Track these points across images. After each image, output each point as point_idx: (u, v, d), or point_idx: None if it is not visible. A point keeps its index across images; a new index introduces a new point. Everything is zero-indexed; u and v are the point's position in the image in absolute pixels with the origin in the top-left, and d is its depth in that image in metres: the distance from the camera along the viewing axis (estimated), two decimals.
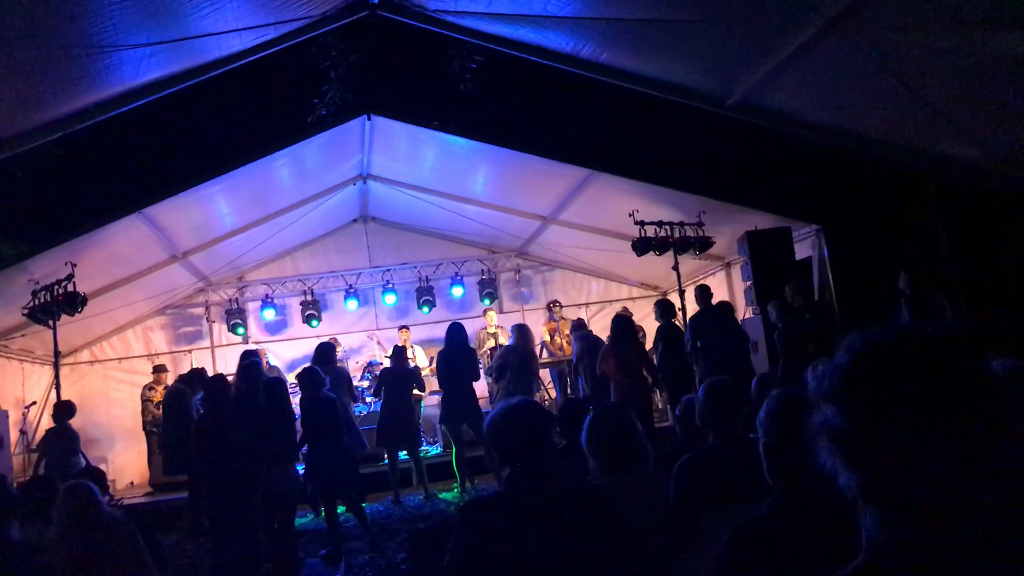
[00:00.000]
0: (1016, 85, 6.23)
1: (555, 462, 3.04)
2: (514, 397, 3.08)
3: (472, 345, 10.86)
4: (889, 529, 1.02)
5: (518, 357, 9.65)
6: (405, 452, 9.67)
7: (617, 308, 13.34)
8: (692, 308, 10.23)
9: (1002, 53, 5.81)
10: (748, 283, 9.92)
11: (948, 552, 0.98)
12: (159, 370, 11.79)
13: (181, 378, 9.63)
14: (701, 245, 10.16)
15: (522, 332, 10.04)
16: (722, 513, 3.12)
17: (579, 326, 10.69)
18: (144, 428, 11.41)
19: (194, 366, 11.47)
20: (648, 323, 12.38)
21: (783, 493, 2.12)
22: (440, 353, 9.72)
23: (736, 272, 11.31)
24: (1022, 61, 5.84)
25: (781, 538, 1.98)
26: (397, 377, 9.61)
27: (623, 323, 9.17)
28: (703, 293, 9.61)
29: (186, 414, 8.99)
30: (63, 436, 8.88)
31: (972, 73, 6.20)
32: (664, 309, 9.78)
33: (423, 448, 10.44)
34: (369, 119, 9.02)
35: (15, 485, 6.71)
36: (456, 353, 9.50)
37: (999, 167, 7.67)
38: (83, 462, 8.83)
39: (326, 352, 9.41)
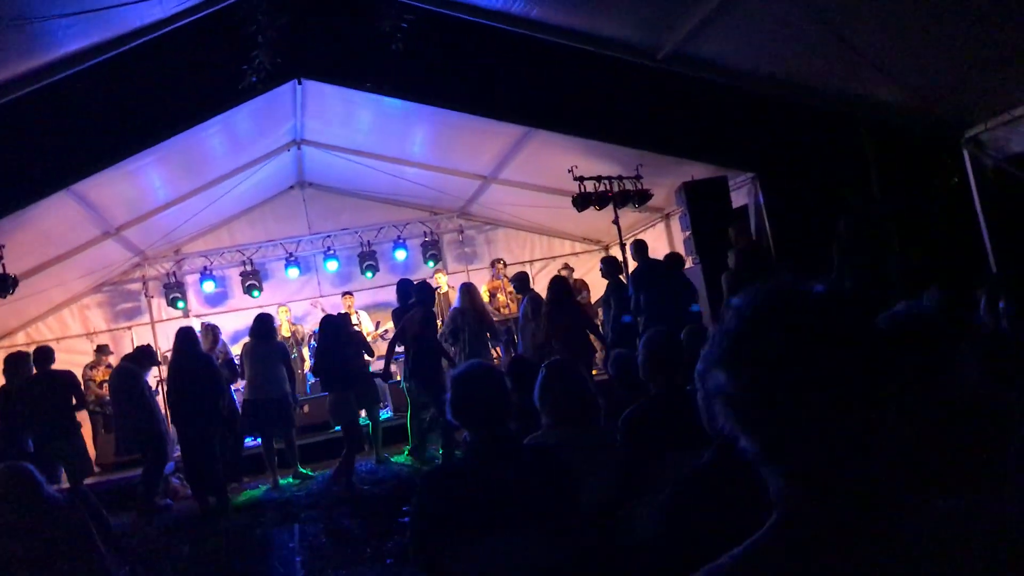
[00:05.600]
0: (941, 29, 6.35)
1: (512, 422, 3.08)
2: (471, 360, 3.11)
3: None
4: (792, 488, 1.03)
5: (470, 318, 9.55)
6: (364, 417, 9.69)
7: (562, 263, 13.44)
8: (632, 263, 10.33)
9: None
10: (687, 233, 10.03)
11: (853, 508, 1.00)
12: (102, 351, 11.58)
13: (129, 357, 9.44)
14: (640, 198, 10.22)
15: (468, 291, 9.89)
16: (669, 462, 3.21)
17: (523, 284, 10.55)
18: (87, 408, 11.20)
19: (136, 343, 11.30)
20: (593, 277, 12.50)
21: (721, 443, 2.18)
22: (396, 311, 9.63)
23: (675, 223, 11.42)
24: (946, 5, 5.96)
25: (722, 486, 2.04)
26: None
27: (555, 285, 9.23)
28: (639, 248, 9.70)
29: (138, 392, 8.84)
30: None
31: (896, 18, 6.30)
32: (609, 265, 9.86)
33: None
34: (300, 83, 8.85)
35: None
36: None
37: (924, 107, 7.85)
38: None
39: (266, 324, 9.41)
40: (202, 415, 8.30)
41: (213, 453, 8.42)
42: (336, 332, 8.96)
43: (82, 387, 8.62)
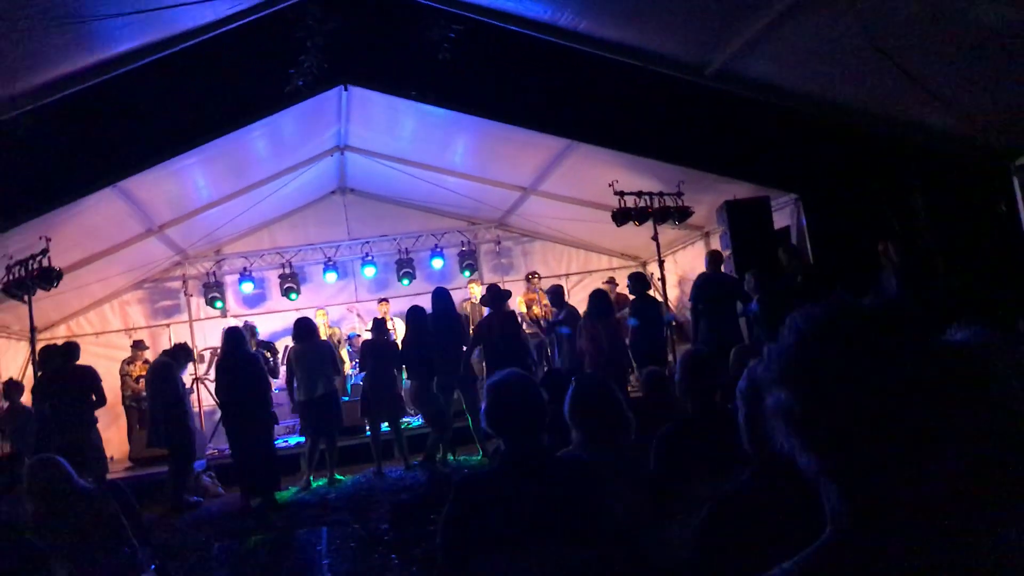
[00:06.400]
0: (994, 56, 6.24)
1: (545, 434, 3.04)
2: (503, 369, 3.07)
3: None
4: (850, 505, 1.02)
5: (497, 324, 9.42)
6: (387, 424, 9.70)
7: (598, 278, 13.37)
8: (674, 277, 10.28)
9: (982, 24, 5.81)
10: (727, 252, 9.95)
11: (910, 525, 0.99)
12: (138, 346, 11.74)
13: (166, 352, 9.57)
14: (680, 215, 10.17)
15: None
16: (703, 483, 3.15)
17: (558, 298, 10.62)
18: (123, 403, 11.37)
19: (174, 341, 11.44)
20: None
21: (762, 463, 2.14)
22: (429, 318, 9.60)
23: (715, 242, 11.33)
24: (1001, 32, 5.85)
25: (761, 508, 2.00)
26: (379, 349, 9.62)
27: (595, 298, 9.17)
28: (713, 258, 9.70)
29: (172, 387, 8.95)
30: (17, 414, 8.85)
31: (952, 43, 6.21)
32: (636, 281, 9.81)
33: (404, 420, 10.43)
34: (346, 89, 8.92)
35: None
36: (445, 318, 9.44)
37: (976, 137, 7.71)
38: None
39: (308, 325, 9.47)
40: (252, 413, 8.39)
41: (266, 451, 8.57)
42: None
43: (102, 384, 8.67)
